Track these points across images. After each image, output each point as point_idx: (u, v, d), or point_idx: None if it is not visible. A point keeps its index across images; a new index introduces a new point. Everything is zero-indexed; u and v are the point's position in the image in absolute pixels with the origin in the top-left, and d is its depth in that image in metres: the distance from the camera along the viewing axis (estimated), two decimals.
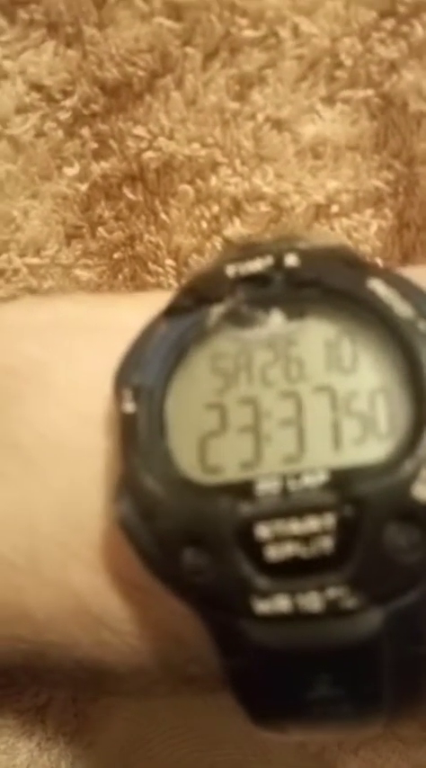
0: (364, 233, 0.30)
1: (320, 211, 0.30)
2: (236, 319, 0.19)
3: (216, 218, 0.30)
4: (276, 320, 0.19)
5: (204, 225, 0.30)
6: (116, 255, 0.31)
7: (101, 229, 0.31)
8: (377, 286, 0.18)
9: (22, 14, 0.28)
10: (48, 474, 0.20)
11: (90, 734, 0.33)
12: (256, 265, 0.19)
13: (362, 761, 0.33)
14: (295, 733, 0.19)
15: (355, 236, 0.30)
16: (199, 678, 0.20)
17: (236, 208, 0.30)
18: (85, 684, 0.23)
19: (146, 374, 0.18)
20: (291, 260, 0.19)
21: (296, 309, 0.19)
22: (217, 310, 0.19)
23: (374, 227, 0.30)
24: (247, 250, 0.20)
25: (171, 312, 0.19)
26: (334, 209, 0.30)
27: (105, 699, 0.33)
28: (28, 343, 0.21)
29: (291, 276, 0.19)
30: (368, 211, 0.30)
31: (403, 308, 0.18)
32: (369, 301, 0.18)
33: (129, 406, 0.18)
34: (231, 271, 0.19)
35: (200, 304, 0.19)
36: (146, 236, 0.30)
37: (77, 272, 0.31)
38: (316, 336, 0.19)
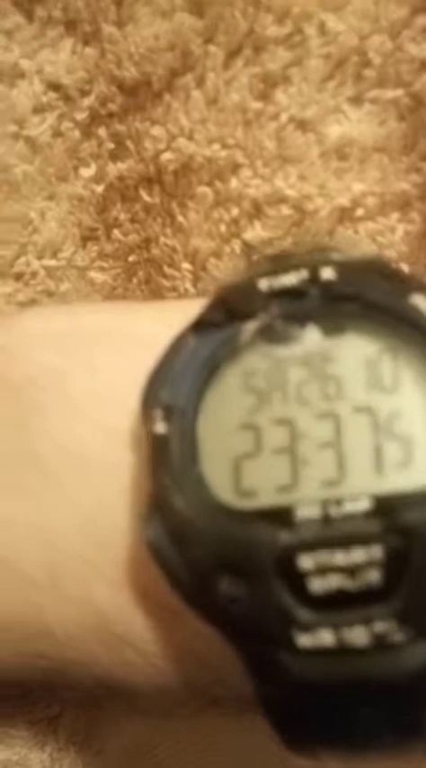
0: (389, 237, 0.29)
1: (344, 215, 0.29)
2: (270, 335, 0.18)
3: (235, 221, 0.29)
4: (312, 336, 0.18)
5: (223, 228, 0.29)
6: (131, 258, 0.30)
7: (116, 232, 0.30)
8: (420, 301, 0.18)
9: (40, 12, 0.27)
10: (70, 488, 0.19)
11: (98, 742, 0.33)
12: (291, 279, 0.18)
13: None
14: (331, 761, 0.19)
15: (380, 240, 0.29)
16: (223, 700, 0.20)
17: (257, 211, 0.29)
18: (106, 702, 0.23)
19: (177, 393, 0.18)
20: (328, 273, 0.18)
21: (333, 325, 0.18)
22: (250, 326, 0.18)
23: (400, 232, 0.29)
24: (279, 262, 0.19)
25: (200, 326, 0.19)
26: (359, 212, 0.29)
27: (111, 707, 0.32)
28: (46, 351, 0.21)
29: (328, 290, 0.18)
30: (395, 215, 0.29)
31: None
32: (412, 317, 0.17)
33: (161, 427, 0.17)
34: (264, 285, 0.18)
35: (232, 319, 0.18)
36: (162, 239, 0.30)
37: (92, 274, 0.30)
38: (355, 353, 0.18)
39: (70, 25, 0.27)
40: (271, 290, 0.18)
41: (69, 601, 0.19)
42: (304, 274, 0.18)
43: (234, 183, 0.29)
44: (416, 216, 0.29)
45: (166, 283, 0.31)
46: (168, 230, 0.30)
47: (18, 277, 0.29)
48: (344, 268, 0.18)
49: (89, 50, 0.28)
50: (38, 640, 0.20)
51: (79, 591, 0.19)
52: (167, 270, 0.31)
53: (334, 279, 0.18)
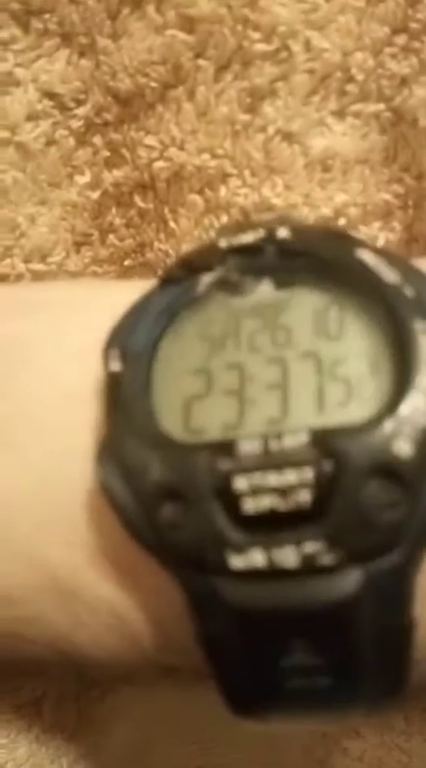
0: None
1: (328, 223, 0.30)
2: (226, 287, 0.19)
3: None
4: (265, 289, 0.19)
5: (212, 235, 0.31)
6: (126, 263, 0.32)
7: (111, 236, 0.31)
8: (366, 255, 0.19)
9: (36, 24, 0.29)
10: (26, 447, 0.20)
11: (95, 735, 0.33)
12: (248, 237, 0.20)
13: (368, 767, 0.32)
14: (275, 719, 0.19)
15: None
16: (177, 668, 0.20)
17: (245, 218, 0.31)
18: (60, 671, 0.23)
19: (136, 338, 0.19)
20: (283, 233, 0.19)
21: (285, 279, 0.19)
22: (207, 278, 0.19)
23: (381, 240, 0.30)
24: (241, 226, 0.20)
25: (163, 283, 0.20)
26: (342, 221, 0.30)
27: (111, 700, 0.32)
28: (15, 319, 0.22)
29: (282, 247, 0.19)
30: (376, 224, 0.30)
31: (389, 275, 0.18)
32: (357, 269, 0.19)
33: (115, 366, 0.18)
34: (223, 243, 0.20)
35: (191, 274, 0.19)
36: (156, 244, 0.31)
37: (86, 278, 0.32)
38: (305, 305, 0.19)
39: (66, 37, 0.29)
40: (230, 246, 0.20)
41: (23, 559, 0.20)
42: (261, 233, 0.20)
43: (223, 191, 0.30)
44: (397, 225, 0.30)
45: None
46: (162, 235, 0.31)
47: (2, 279, 0.30)
48: (299, 228, 0.20)
49: (84, 62, 0.29)
50: None
51: (33, 549, 0.20)
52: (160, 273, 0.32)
53: (288, 237, 0.19)
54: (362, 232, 0.30)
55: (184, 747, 0.33)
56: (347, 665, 0.17)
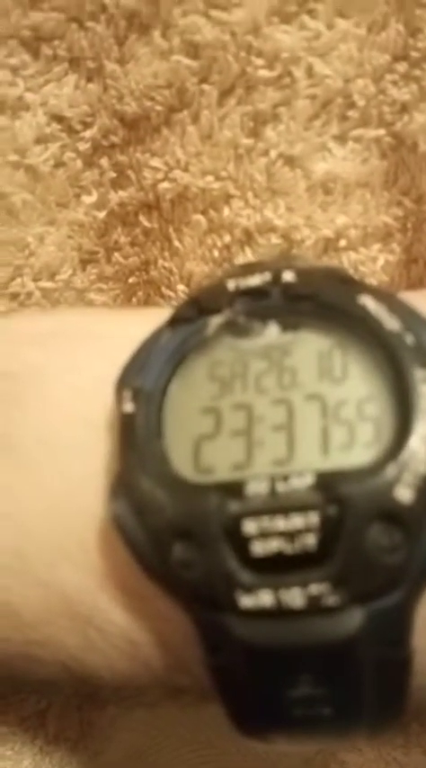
0: (371, 266, 0.31)
1: (329, 245, 0.31)
2: (234, 330, 0.20)
3: (227, 247, 0.31)
4: (272, 331, 0.20)
5: (216, 253, 0.31)
6: (131, 280, 0.32)
7: (117, 255, 0.32)
8: (368, 301, 0.19)
9: (46, 50, 0.29)
10: (41, 474, 0.21)
11: (97, 743, 0.33)
12: (255, 280, 0.20)
13: None
14: (279, 741, 0.20)
15: (362, 269, 0.31)
16: (185, 689, 0.21)
17: (248, 238, 0.31)
18: (71, 690, 0.23)
19: (147, 378, 0.19)
20: (288, 276, 0.20)
21: (291, 322, 0.20)
22: (216, 320, 0.20)
23: (381, 262, 0.31)
24: (248, 268, 0.21)
25: (174, 322, 0.20)
26: (343, 243, 0.31)
27: (112, 708, 0.33)
28: (30, 349, 0.22)
29: (288, 290, 0.20)
30: (376, 246, 0.31)
31: (390, 322, 0.19)
32: (360, 315, 0.19)
33: (128, 407, 0.19)
34: (231, 285, 0.20)
35: (201, 314, 0.20)
36: (160, 262, 0.32)
37: (92, 295, 0.32)
38: (310, 348, 0.19)
39: (74, 62, 0.29)
40: (237, 288, 0.20)
41: (36, 584, 0.20)
42: (267, 276, 0.20)
43: (226, 212, 0.31)
44: (396, 247, 0.31)
45: (164, 303, 0.33)
46: (166, 254, 0.32)
47: (13, 297, 0.31)
48: (303, 272, 0.20)
49: (92, 86, 0.30)
50: (3, 622, 0.21)
51: (46, 574, 0.20)
52: (165, 291, 0.32)
53: (294, 281, 0.20)
54: (362, 254, 0.31)
55: (186, 753, 0.34)
56: (349, 696, 0.18)
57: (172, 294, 0.32)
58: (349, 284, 0.20)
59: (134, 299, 0.33)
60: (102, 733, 0.33)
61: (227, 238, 0.31)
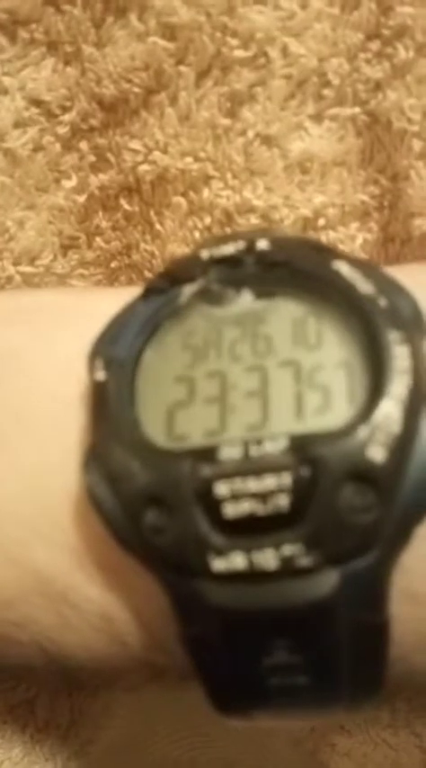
0: (350, 245, 0.31)
1: (308, 224, 0.31)
2: (208, 298, 0.19)
3: (208, 228, 0.31)
4: (246, 299, 0.19)
5: (197, 235, 0.31)
6: (113, 264, 0.32)
7: (98, 239, 0.31)
8: (342, 266, 0.19)
9: (23, 33, 0.29)
10: (15, 452, 0.20)
11: (88, 731, 0.33)
12: (229, 248, 0.20)
13: (355, 764, 0.33)
14: (259, 716, 0.19)
15: (341, 248, 0.31)
16: (164, 670, 0.20)
17: (228, 219, 0.31)
18: (48, 674, 0.23)
19: (119, 347, 0.19)
20: (262, 244, 0.20)
21: (265, 289, 0.19)
22: (189, 289, 0.19)
23: (359, 240, 0.31)
24: (223, 238, 0.20)
25: (147, 293, 0.20)
26: (321, 222, 0.30)
27: (103, 697, 0.32)
28: (8, 328, 0.22)
29: (262, 258, 0.19)
30: (354, 225, 0.31)
31: (364, 286, 0.18)
32: (334, 281, 0.19)
33: (100, 375, 0.19)
34: (205, 254, 0.20)
35: (174, 284, 0.20)
36: (142, 245, 0.31)
37: (73, 281, 0.32)
38: (284, 315, 0.19)
39: (52, 46, 0.29)
40: (211, 257, 0.20)
41: (11, 561, 0.20)
42: (241, 245, 0.20)
43: (206, 193, 0.31)
44: (374, 225, 0.31)
45: None
46: (147, 237, 0.31)
47: None
48: (277, 240, 0.20)
49: (70, 69, 0.29)
50: None
51: (20, 552, 0.20)
52: (147, 274, 0.32)
53: (268, 248, 0.19)
54: (341, 232, 0.31)
55: (177, 740, 0.34)
56: (325, 663, 0.17)
57: None
58: (323, 251, 0.19)
59: (116, 284, 0.32)
60: (94, 721, 0.33)
61: (208, 220, 0.31)
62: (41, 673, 0.22)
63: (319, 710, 0.19)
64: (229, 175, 0.30)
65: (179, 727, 0.35)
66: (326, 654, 0.17)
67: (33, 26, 0.29)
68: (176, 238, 0.31)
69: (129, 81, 0.29)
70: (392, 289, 0.18)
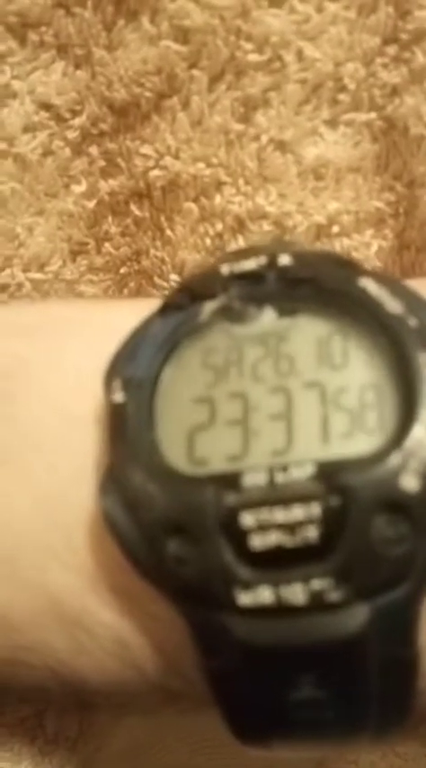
0: (364, 252, 0.30)
1: (321, 231, 0.30)
2: (229, 315, 0.18)
3: (219, 235, 0.30)
4: (268, 317, 0.18)
5: (208, 241, 0.30)
6: (122, 270, 0.31)
7: (107, 245, 0.30)
8: (368, 284, 0.18)
9: (33, 36, 0.28)
10: (29, 472, 0.19)
11: (96, 740, 0.32)
12: (250, 264, 0.19)
13: None
14: (280, 747, 0.18)
15: (356, 255, 0.30)
16: (180, 695, 0.19)
17: (240, 226, 0.30)
18: (57, 698, 0.22)
19: (137, 367, 0.18)
20: (285, 259, 0.19)
21: (288, 307, 0.18)
22: (209, 306, 0.18)
23: (374, 248, 0.30)
24: (242, 252, 0.19)
25: (165, 309, 0.19)
26: (335, 229, 0.29)
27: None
28: (16, 341, 0.21)
29: (284, 274, 0.18)
30: (369, 232, 0.30)
31: (392, 305, 0.17)
32: (360, 299, 0.18)
33: (118, 396, 0.18)
34: (225, 269, 0.19)
35: (194, 301, 0.19)
36: (152, 252, 0.30)
37: (82, 287, 0.31)
38: (308, 333, 0.18)
39: (62, 49, 0.28)
40: (232, 273, 0.19)
41: (24, 584, 0.19)
42: (262, 260, 0.19)
43: (218, 199, 0.29)
44: (389, 233, 0.30)
45: (156, 293, 0.31)
46: (158, 243, 0.30)
47: (3, 289, 0.29)
48: (300, 255, 0.19)
49: (80, 73, 0.28)
50: None
51: (34, 575, 0.19)
52: (157, 281, 0.31)
53: (290, 264, 0.18)
54: (355, 240, 0.30)
55: (185, 748, 0.33)
56: (353, 697, 0.16)
57: (164, 284, 0.31)
58: (348, 267, 0.18)
59: (125, 290, 0.31)
60: (102, 730, 0.32)
61: (219, 226, 0.30)
62: (54, 696, 0.21)
63: (342, 742, 0.18)
64: (242, 181, 0.29)
65: (185, 733, 0.34)
66: (354, 688, 0.16)
67: (43, 29, 0.27)
68: (187, 245, 0.30)
69: (141, 85, 0.28)
70: (421, 307, 0.17)
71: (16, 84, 0.28)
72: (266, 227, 0.30)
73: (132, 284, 0.31)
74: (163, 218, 0.30)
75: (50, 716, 0.31)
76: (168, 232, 0.30)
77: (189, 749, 0.33)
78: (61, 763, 0.31)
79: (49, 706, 0.31)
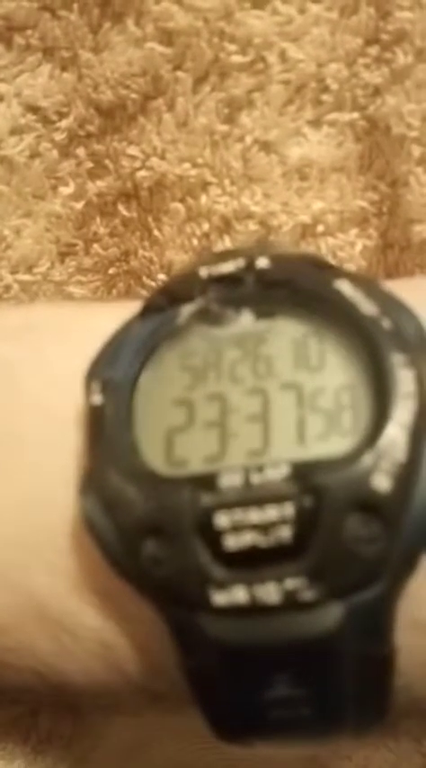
0: (349, 252, 0.30)
1: (306, 231, 0.30)
2: (207, 318, 0.18)
3: (206, 235, 0.30)
4: (246, 319, 0.18)
5: (195, 241, 0.30)
6: (111, 271, 0.31)
7: (96, 246, 0.30)
8: (343, 286, 0.18)
9: (19, 39, 0.28)
10: (10, 473, 0.19)
11: (90, 738, 0.32)
12: (228, 267, 0.19)
13: (356, 767, 0.32)
14: (259, 744, 0.18)
15: (340, 254, 0.30)
16: (164, 695, 0.19)
17: (226, 226, 0.30)
18: (46, 699, 0.22)
19: (116, 369, 0.18)
20: (262, 262, 0.19)
21: (265, 309, 0.18)
22: (188, 309, 0.18)
23: (359, 247, 0.30)
24: (222, 255, 0.19)
25: (144, 311, 0.19)
26: (320, 228, 0.30)
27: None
28: (3, 345, 0.21)
29: (262, 277, 0.18)
30: (353, 231, 0.30)
31: (367, 307, 0.17)
32: (336, 300, 0.18)
33: (97, 398, 0.18)
34: (204, 272, 0.19)
35: (172, 303, 0.19)
36: (141, 252, 0.30)
37: (71, 288, 0.31)
38: (285, 335, 0.18)
39: (48, 52, 0.28)
40: (210, 276, 0.19)
41: (7, 586, 0.19)
42: (240, 263, 0.19)
43: (204, 199, 0.30)
44: (373, 232, 0.30)
45: (145, 294, 0.31)
46: (146, 243, 0.30)
47: None
48: (278, 258, 0.19)
49: (67, 75, 0.28)
50: None
51: (17, 575, 0.19)
52: (146, 281, 0.31)
53: (268, 267, 0.18)
54: (340, 239, 0.30)
55: (180, 745, 0.33)
56: (329, 695, 0.17)
57: (153, 284, 0.31)
58: (324, 269, 0.18)
59: (114, 291, 0.31)
60: (96, 729, 0.32)
61: (206, 226, 0.30)
62: (41, 695, 0.21)
63: (322, 740, 0.18)
64: (227, 182, 0.29)
65: (181, 729, 0.34)
66: (330, 686, 0.17)
67: (29, 32, 0.28)
68: (174, 245, 0.30)
69: (127, 87, 0.28)
70: (395, 308, 0.17)
71: (3, 87, 0.28)
72: (252, 226, 0.30)
73: (121, 285, 0.31)
74: (150, 219, 0.30)
75: (44, 714, 0.31)
76: (156, 232, 0.30)
77: (184, 746, 0.33)
78: (55, 761, 0.31)
79: (42, 705, 0.31)
